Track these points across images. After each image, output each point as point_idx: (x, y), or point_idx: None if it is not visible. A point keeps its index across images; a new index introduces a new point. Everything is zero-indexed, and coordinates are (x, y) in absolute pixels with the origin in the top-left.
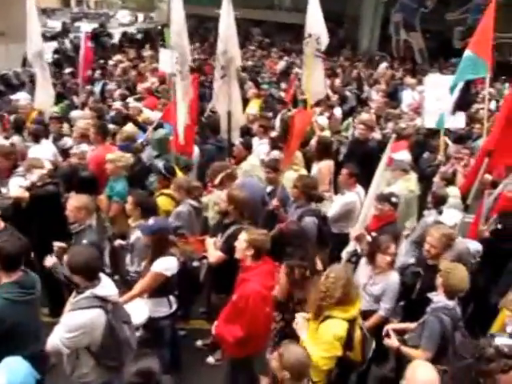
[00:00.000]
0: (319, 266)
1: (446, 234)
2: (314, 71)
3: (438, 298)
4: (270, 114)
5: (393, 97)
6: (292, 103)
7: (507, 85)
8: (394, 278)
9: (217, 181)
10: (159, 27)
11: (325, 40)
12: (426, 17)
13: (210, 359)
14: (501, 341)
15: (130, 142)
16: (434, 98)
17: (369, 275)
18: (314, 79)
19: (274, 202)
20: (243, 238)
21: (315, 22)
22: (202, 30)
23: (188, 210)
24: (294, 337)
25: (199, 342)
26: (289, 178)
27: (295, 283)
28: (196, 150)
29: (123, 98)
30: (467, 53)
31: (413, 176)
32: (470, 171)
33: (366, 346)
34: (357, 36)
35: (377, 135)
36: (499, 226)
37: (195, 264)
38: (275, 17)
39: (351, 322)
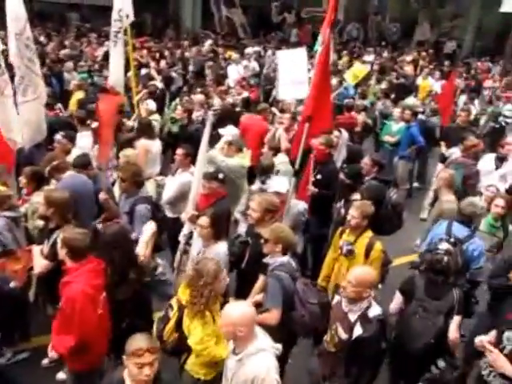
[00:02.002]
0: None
1: (266, 199)
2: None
3: (272, 260)
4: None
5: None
6: None
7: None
8: (221, 248)
9: (22, 183)
10: None
11: (131, 18)
12: None
13: (60, 375)
14: None
15: None
16: (286, 72)
17: (199, 248)
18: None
19: (102, 196)
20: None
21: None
22: None
23: (4, 223)
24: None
25: (45, 361)
26: None
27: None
28: None
29: None
30: None
31: (247, 152)
32: (295, 137)
33: None
34: (179, 15)
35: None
36: (318, 177)
37: (12, 285)
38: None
39: None
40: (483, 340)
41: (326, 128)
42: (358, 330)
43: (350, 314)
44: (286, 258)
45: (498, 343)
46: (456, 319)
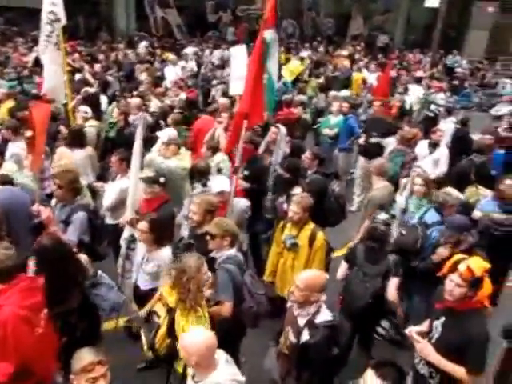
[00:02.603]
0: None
1: (204, 200)
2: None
3: (219, 254)
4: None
5: (130, 77)
6: None
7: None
8: (165, 253)
9: None
10: None
11: (63, 21)
12: None
13: None
14: None
15: None
16: (236, 68)
17: (143, 254)
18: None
19: (35, 208)
20: None
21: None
22: None
23: None
24: None
25: None
26: None
27: None
28: None
29: None
30: None
31: (186, 153)
32: (232, 134)
33: None
34: (112, 18)
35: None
36: (245, 173)
37: None
38: (22, 2)
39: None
40: (412, 330)
41: (259, 122)
42: (305, 336)
43: (299, 318)
44: (233, 251)
45: (429, 331)
46: (392, 281)
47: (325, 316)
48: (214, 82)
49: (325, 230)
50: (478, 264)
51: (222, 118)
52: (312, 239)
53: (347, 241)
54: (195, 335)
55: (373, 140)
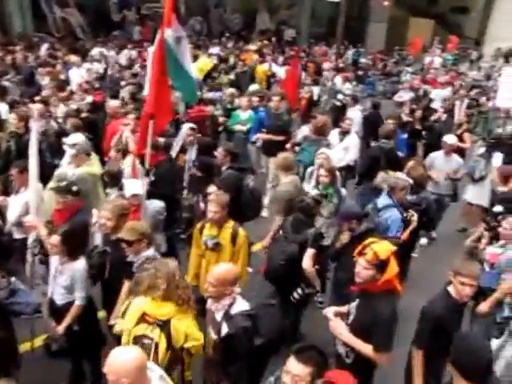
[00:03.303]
0: None
1: (117, 205)
2: None
3: (137, 257)
4: None
5: (29, 81)
6: None
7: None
8: (79, 265)
9: None
10: None
11: None
12: None
13: None
14: None
15: None
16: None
17: (56, 265)
18: None
19: None
20: None
21: None
22: None
23: None
24: None
25: None
26: None
27: None
28: None
29: None
30: None
31: (95, 158)
32: (139, 135)
33: None
34: (6, 17)
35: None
36: (152, 178)
37: None
38: None
39: None
40: (329, 310)
41: (165, 125)
42: (224, 329)
43: (217, 313)
44: (151, 252)
45: (348, 313)
46: (309, 251)
47: (240, 306)
48: (123, 83)
49: (243, 225)
50: (384, 248)
51: (128, 119)
52: (234, 237)
53: (265, 235)
54: (123, 356)
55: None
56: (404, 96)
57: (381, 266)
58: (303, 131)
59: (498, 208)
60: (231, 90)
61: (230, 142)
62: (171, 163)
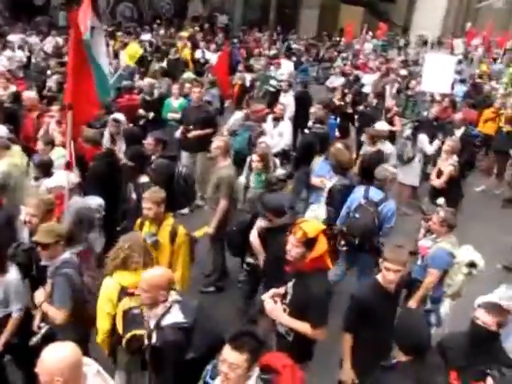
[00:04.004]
0: None
1: (43, 200)
2: None
3: (52, 261)
4: None
5: None
6: None
7: None
8: (10, 276)
9: None
10: None
11: None
12: None
13: None
14: None
15: None
16: None
17: None
18: None
19: None
20: None
21: None
22: None
23: None
24: None
25: None
26: None
27: None
28: None
29: None
30: None
31: (16, 149)
32: (64, 127)
33: None
34: None
35: None
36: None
37: None
38: None
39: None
40: (267, 295)
41: (92, 116)
42: (153, 339)
43: (150, 320)
44: (67, 254)
45: (286, 293)
46: (258, 224)
47: (173, 318)
48: (49, 72)
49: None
50: (312, 226)
51: (53, 111)
52: (173, 235)
53: (204, 223)
54: (56, 354)
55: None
56: (335, 81)
57: (309, 243)
58: (236, 117)
59: (440, 201)
60: (149, 80)
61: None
62: (109, 156)
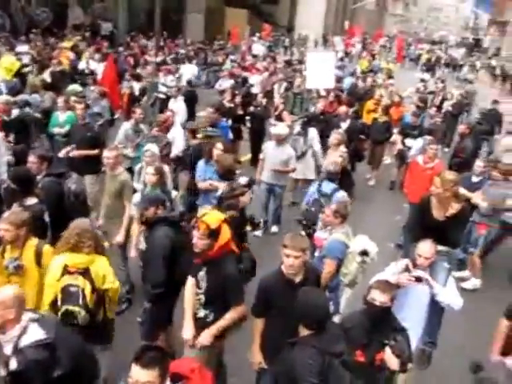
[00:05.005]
0: None
1: None
2: None
3: None
4: None
5: None
6: None
7: None
8: None
9: None
10: None
11: None
12: None
13: None
14: None
15: None
16: None
17: None
18: None
19: None
20: None
21: None
22: None
23: None
24: None
25: None
26: None
27: None
28: None
29: None
30: None
31: None
32: None
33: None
34: None
35: None
36: None
37: None
38: None
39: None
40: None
41: None
42: (12, 364)
43: (6, 346)
44: None
45: (198, 284)
46: None
47: (33, 336)
48: None
49: None
50: (214, 217)
51: None
52: (38, 256)
53: None
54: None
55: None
56: (224, 84)
57: (213, 234)
58: (125, 128)
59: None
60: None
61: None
62: None
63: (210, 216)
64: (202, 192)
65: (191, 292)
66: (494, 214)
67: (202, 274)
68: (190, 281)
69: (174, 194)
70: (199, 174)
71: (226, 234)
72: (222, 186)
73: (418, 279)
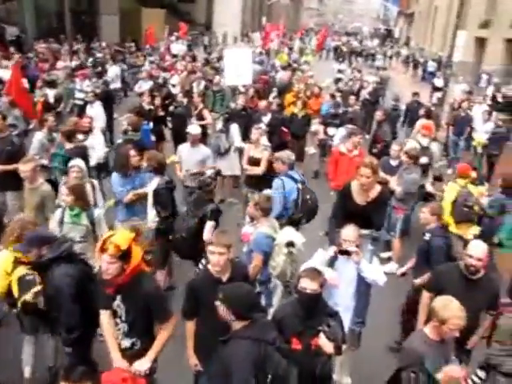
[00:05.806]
0: None
1: None
2: None
3: None
4: None
5: None
6: None
7: None
8: None
9: None
10: None
11: None
12: None
13: None
14: None
15: None
16: None
17: None
18: None
19: None
20: None
21: None
22: None
23: None
24: None
25: None
26: None
27: None
28: None
29: None
30: None
31: None
32: None
33: None
34: None
35: None
36: None
37: None
38: None
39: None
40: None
41: None
42: None
43: None
44: None
45: (115, 315)
46: (209, 223)
47: None
48: None
49: None
50: (123, 237)
51: None
52: None
53: None
54: None
55: None
56: (144, 86)
57: (125, 256)
58: (38, 138)
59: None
60: None
61: None
62: None
63: (118, 236)
64: (123, 206)
65: (110, 324)
66: (406, 197)
67: (117, 303)
68: (104, 314)
69: (96, 212)
70: (120, 189)
71: (137, 254)
72: (157, 181)
73: (347, 252)
